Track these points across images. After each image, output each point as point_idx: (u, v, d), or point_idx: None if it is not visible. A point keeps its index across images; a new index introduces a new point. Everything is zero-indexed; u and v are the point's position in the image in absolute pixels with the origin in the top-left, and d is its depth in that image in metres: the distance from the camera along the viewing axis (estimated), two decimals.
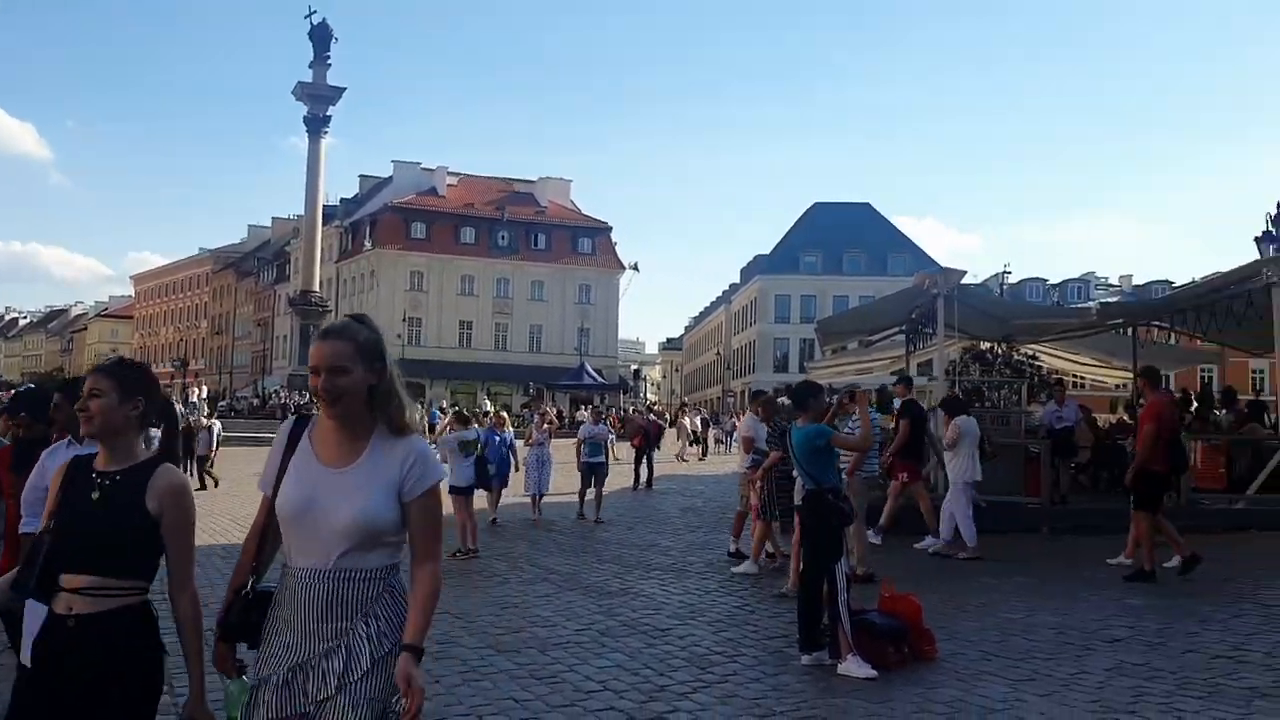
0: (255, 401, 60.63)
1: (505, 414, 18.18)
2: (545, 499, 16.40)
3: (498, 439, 15.44)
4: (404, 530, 3.04)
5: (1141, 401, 11.30)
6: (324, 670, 2.87)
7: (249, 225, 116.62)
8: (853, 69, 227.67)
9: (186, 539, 3.29)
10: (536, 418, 19.58)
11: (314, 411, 3.18)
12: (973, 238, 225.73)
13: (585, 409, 50.30)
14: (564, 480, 18.43)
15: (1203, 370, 42.45)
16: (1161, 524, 10.68)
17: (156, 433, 3.66)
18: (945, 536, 12.15)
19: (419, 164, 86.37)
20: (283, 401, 52.19)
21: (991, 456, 12.93)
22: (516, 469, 15.91)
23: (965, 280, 17.78)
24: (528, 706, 6.03)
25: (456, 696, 6.23)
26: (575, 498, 16.71)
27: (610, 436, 17.66)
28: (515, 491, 15.96)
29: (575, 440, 17.74)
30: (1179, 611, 8.69)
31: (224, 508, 18.01)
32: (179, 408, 42.08)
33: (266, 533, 3.18)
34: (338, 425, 3.05)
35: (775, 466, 11.02)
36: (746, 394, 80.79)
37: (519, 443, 17.05)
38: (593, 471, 16.38)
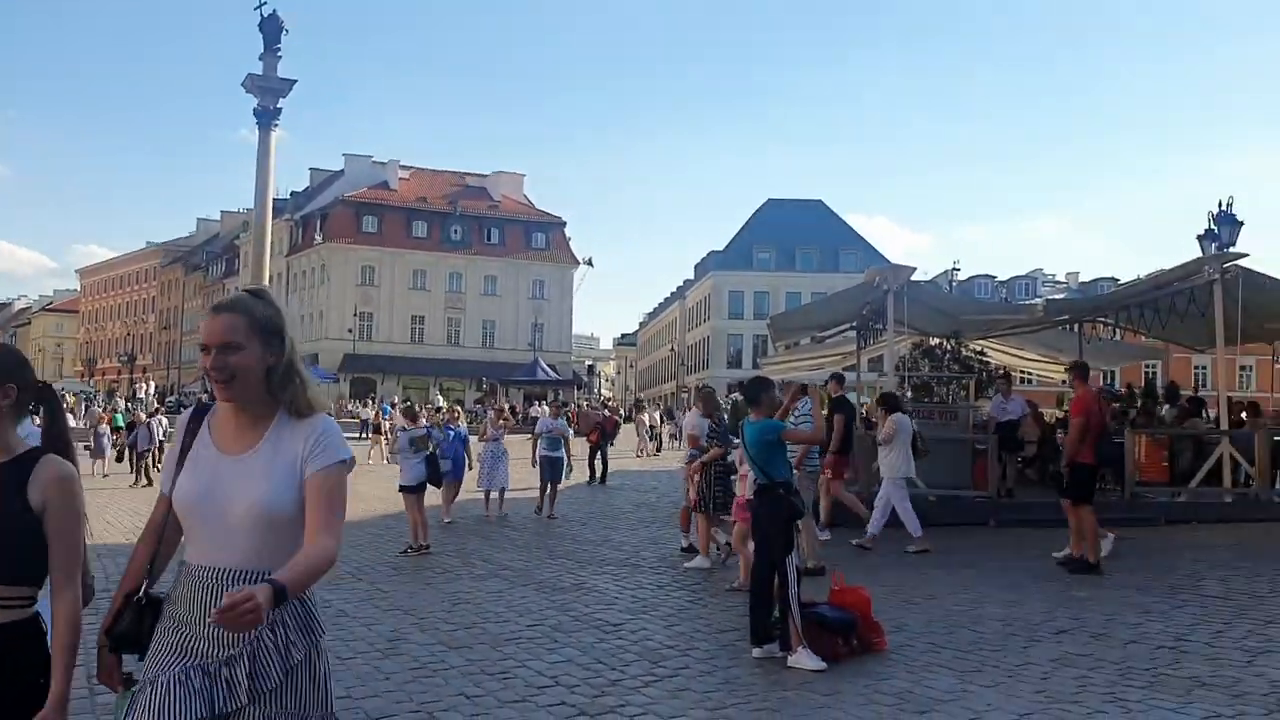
0: (204, 397, 59.74)
1: (459, 408, 18.00)
2: (499, 494, 16.23)
3: (451, 434, 15.34)
4: None
5: (1071, 395, 11.54)
6: (228, 679, 2.61)
7: (198, 218, 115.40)
8: (806, 67, 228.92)
9: (74, 533, 2.88)
10: (491, 413, 19.32)
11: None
12: (923, 236, 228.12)
13: (541, 404, 50.28)
14: (518, 476, 18.33)
15: (1147, 366, 43.18)
16: (1087, 517, 10.88)
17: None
18: (873, 529, 12.28)
19: (370, 157, 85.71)
20: None
21: (924, 454, 13.11)
22: (470, 466, 15.78)
23: (915, 277, 17.95)
24: (478, 703, 6.01)
25: (407, 693, 6.20)
26: (529, 493, 16.67)
27: (569, 432, 17.48)
28: (468, 487, 15.84)
29: (531, 435, 17.58)
30: (1122, 603, 8.84)
31: None
32: (123, 403, 41.48)
33: (163, 532, 2.90)
34: (235, 410, 2.82)
35: (715, 461, 11.11)
36: (693, 391, 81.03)
37: (472, 438, 16.94)
38: (550, 466, 16.22)
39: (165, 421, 27.57)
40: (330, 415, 2.91)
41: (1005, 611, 8.52)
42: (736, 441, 10.69)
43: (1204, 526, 13.96)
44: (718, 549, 11.37)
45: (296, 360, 2.86)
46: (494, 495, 15.99)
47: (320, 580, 2.71)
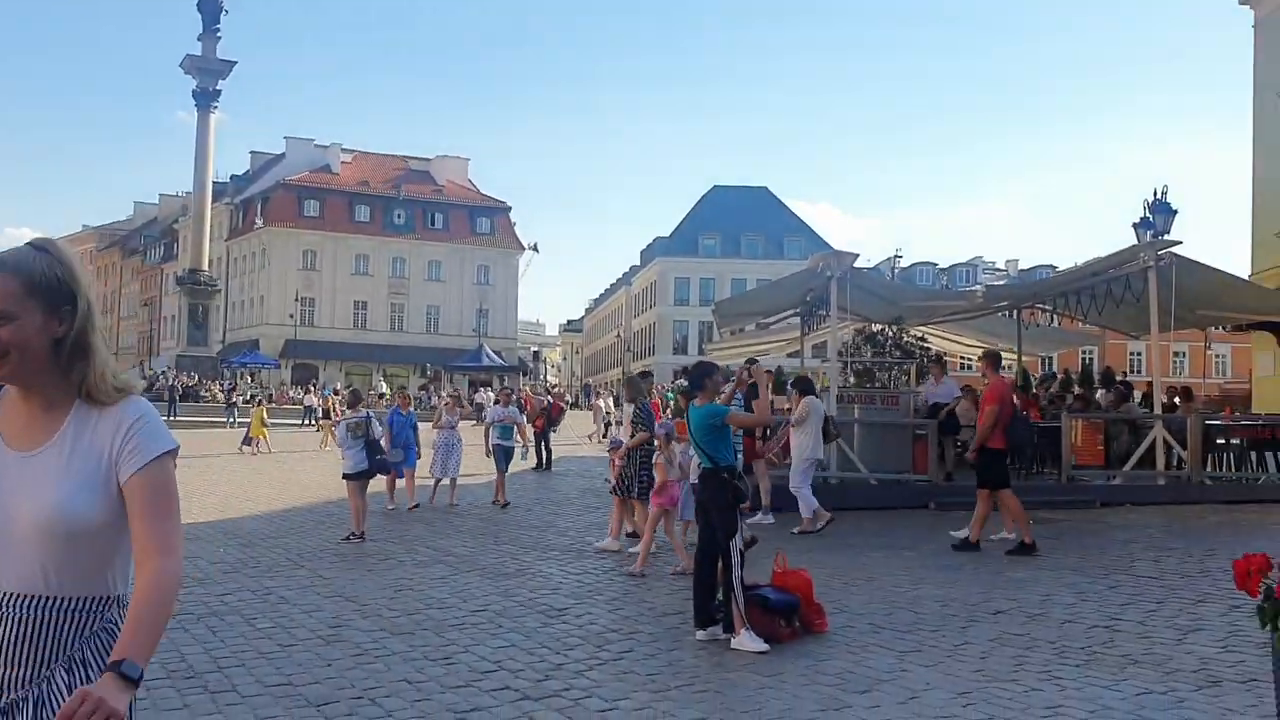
0: (141, 384, 58.36)
1: (408, 393, 17.68)
2: (450, 483, 15.89)
3: (402, 420, 15.07)
4: (124, 531, 2.26)
5: (985, 382, 11.83)
6: None
7: (135, 202, 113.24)
8: (750, 53, 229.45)
9: None
10: (446, 400, 18.79)
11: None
12: (867, 223, 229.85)
13: (486, 390, 50.01)
14: (469, 463, 18.03)
15: (1083, 352, 44.03)
16: (986, 502, 11.12)
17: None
18: (806, 513, 12.43)
19: (312, 141, 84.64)
20: (171, 383, 50.68)
21: (835, 437, 13.36)
22: (419, 455, 15.48)
23: (858, 264, 18.10)
24: (421, 688, 5.99)
25: (348, 680, 6.16)
26: (475, 480, 16.52)
27: (521, 419, 17.22)
28: (419, 474, 15.54)
29: (484, 424, 17.23)
30: (1058, 584, 9.01)
31: None
32: None
33: None
34: (23, 396, 2.31)
35: (640, 446, 11.15)
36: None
37: (424, 425, 16.71)
38: (505, 455, 15.95)
39: None
40: (142, 397, 2.43)
41: (944, 593, 8.64)
42: (661, 426, 10.80)
43: (1138, 509, 14.26)
44: (627, 536, 11.37)
45: (91, 332, 2.35)
46: (444, 483, 15.63)
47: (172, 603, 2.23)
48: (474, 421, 31.30)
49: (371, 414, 13.03)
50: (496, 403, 18.52)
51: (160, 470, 2.27)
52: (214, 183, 68.95)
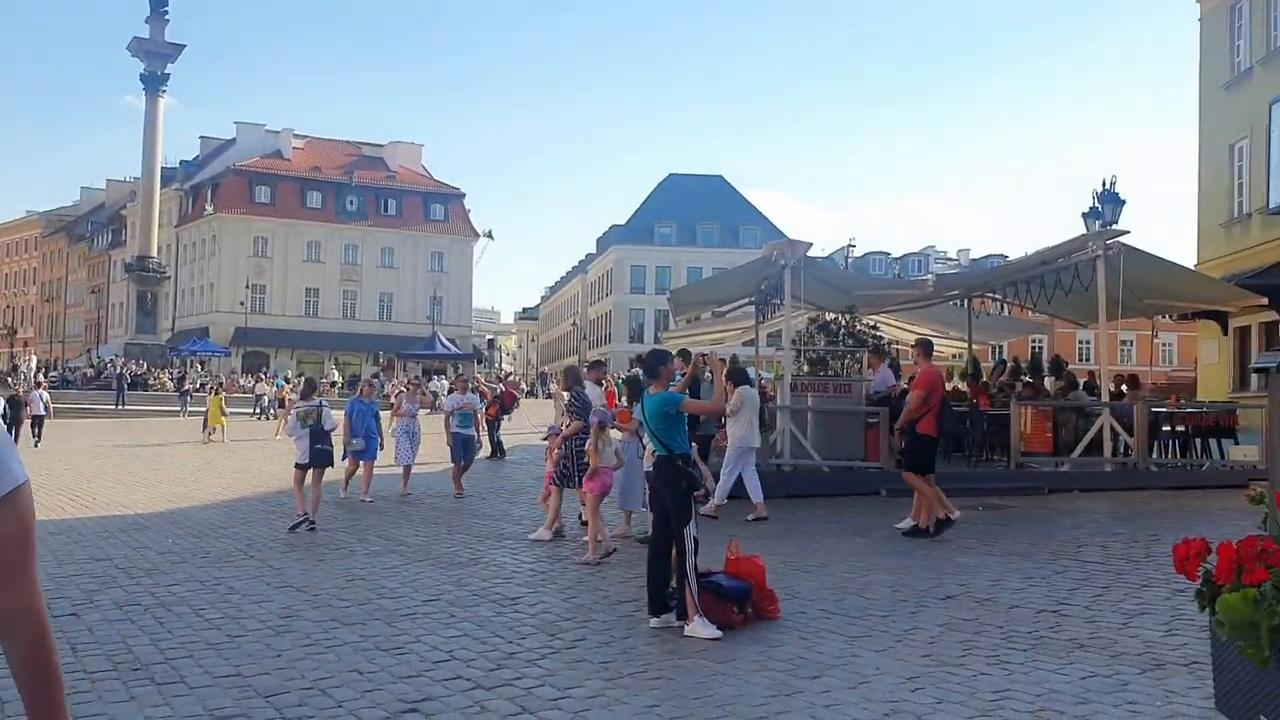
0: (89, 372, 57.89)
1: (373, 382, 17.24)
2: (403, 471, 15.67)
3: (364, 410, 14.78)
4: None
5: (917, 369, 12.01)
6: None
7: (82, 187, 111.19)
8: (706, 41, 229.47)
9: None
10: (406, 388, 18.36)
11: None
12: (821, 212, 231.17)
13: (440, 378, 49.73)
14: (425, 452, 17.83)
15: (1033, 340, 44.59)
16: (928, 485, 11.24)
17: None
18: (756, 498, 12.53)
19: (263, 126, 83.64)
20: (119, 371, 49.92)
21: (769, 426, 13.49)
22: (382, 446, 15.11)
23: (812, 253, 18.17)
24: (372, 678, 5.94)
25: (298, 670, 6.10)
26: (429, 469, 16.36)
27: (480, 406, 16.80)
28: (383, 463, 15.31)
29: (444, 413, 16.87)
30: (1007, 569, 9.12)
31: (59, 483, 17.19)
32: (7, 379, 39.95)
33: None
34: None
35: (574, 435, 11.17)
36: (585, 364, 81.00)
37: (383, 414, 16.47)
38: (464, 444, 15.52)
39: (46, 397, 27.23)
40: None
41: (894, 578, 8.72)
42: (595, 414, 10.82)
43: (1085, 495, 14.47)
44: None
45: None
46: (401, 470, 15.46)
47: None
48: (427, 410, 31.05)
49: (324, 403, 12.86)
50: (452, 390, 18.30)
51: (7, 516, 1.85)
52: (163, 168, 67.92)
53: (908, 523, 11.31)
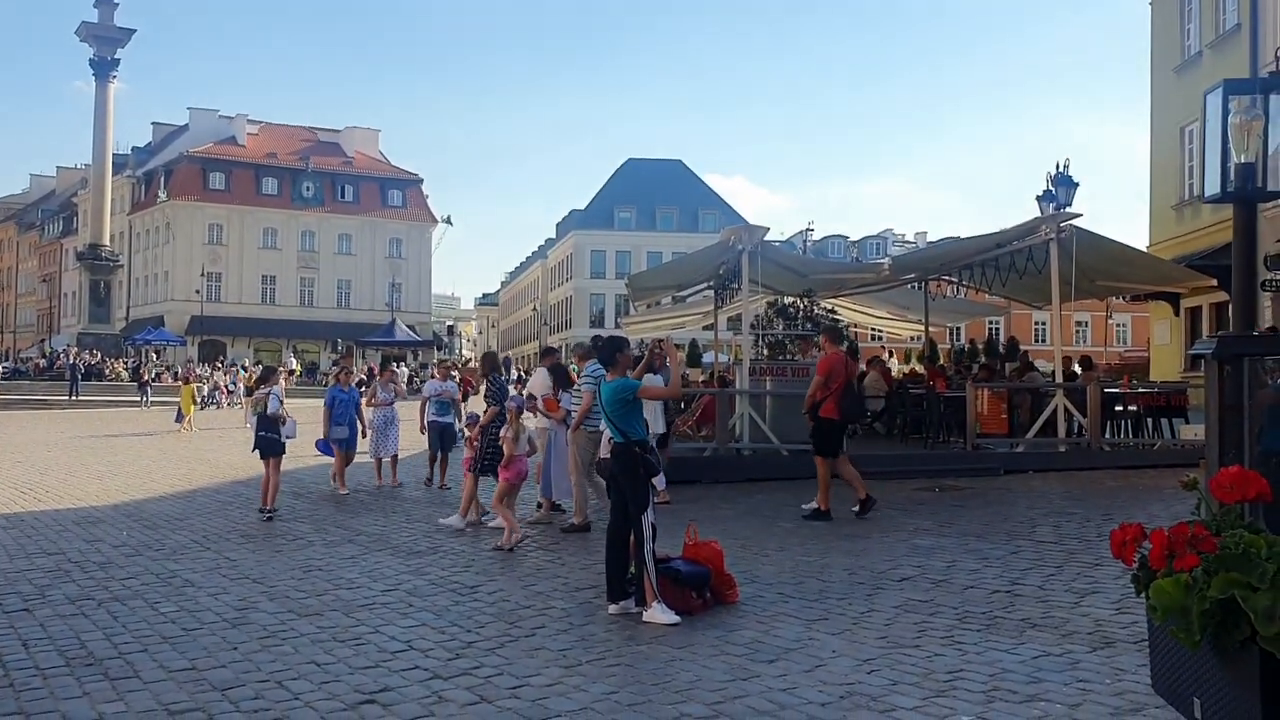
0: (41, 363, 57.01)
1: (349, 370, 16.66)
2: (391, 461, 15.20)
3: (344, 397, 14.42)
4: None
5: (819, 354, 12.11)
6: None
7: (31, 174, 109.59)
8: (662, 26, 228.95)
9: None
10: (381, 376, 17.44)
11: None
12: (780, 196, 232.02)
13: (399, 366, 49.40)
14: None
15: (990, 322, 44.96)
16: (842, 468, 11.45)
17: None
18: (659, 485, 12.61)
19: (217, 111, 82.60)
20: (72, 362, 49.19)
21: (678, 413, 13.60)
22: (364, 433, 14.75)
23: (771, 237, 18.25)
24: (329, 670, 5.92)
25: (254, 663, 6.06)
26: (405, 456, 16.04)
27: (457, 394, 16.25)
28: (359, 452, 15.07)
29: (420, 399, 16.27)
30: (962, 550, 9.23)
31: (8, 476, 16.95)
32: None
33: None
34: None
35: (493, 422, 11.19)
36: (564, 350, 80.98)
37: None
38: (440, 433, 15.02)
39: None
40: None
41: (851, 561, 8.80)
42: (511, 400, 10.84)
43: (1040, 475, 14.66)
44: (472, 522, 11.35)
45: None
46: (385, 462, 15.06)
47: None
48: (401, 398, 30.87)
49: (274, 391, 12.73)
50: (433, 377, 18.04)
51: None
52: (115, 155, 66.87)
53: (810, 506, 11.38)
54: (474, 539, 10.51)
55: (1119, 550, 2.34)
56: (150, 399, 40.73)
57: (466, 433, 11.83)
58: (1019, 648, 6.09)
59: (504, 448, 10.46)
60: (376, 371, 25.24)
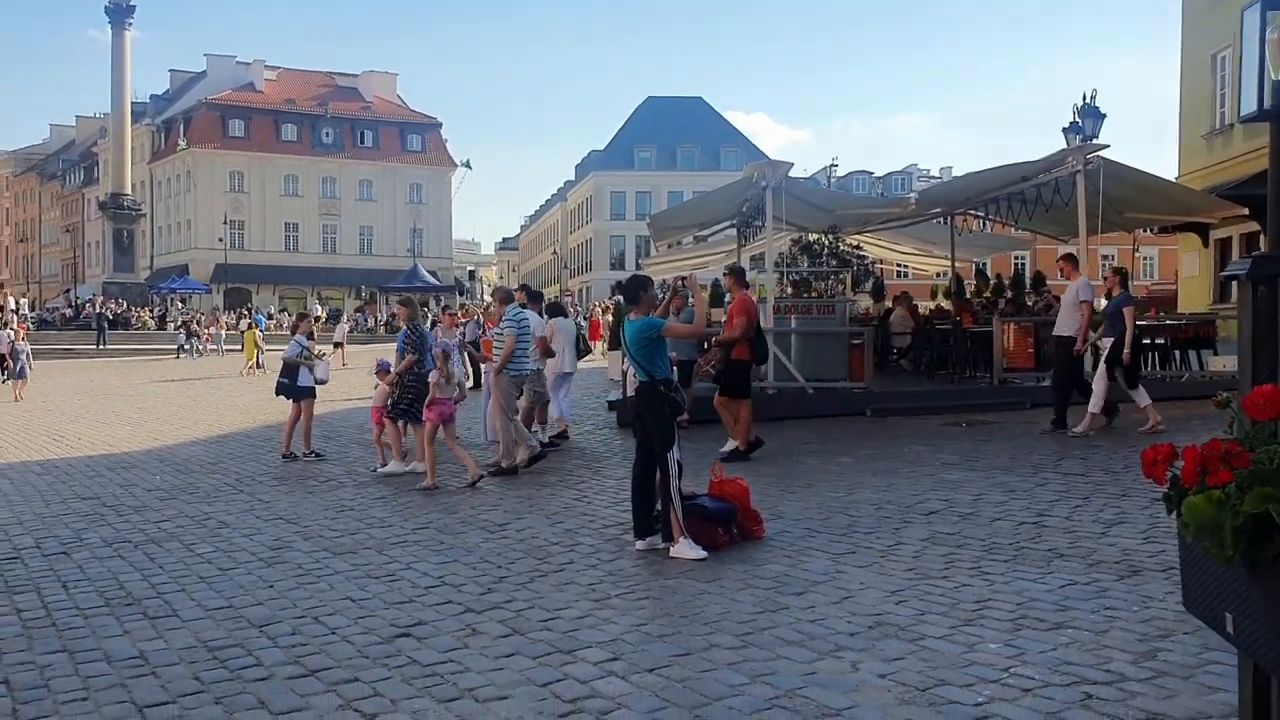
0: (68, 312, 57.49)
1: (451, 313, 16.28)
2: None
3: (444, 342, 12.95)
4: None
5: (730, 297, 11.92)
6: None
7: (51, 124, 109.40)
8: None
9: None
10: (445, 317, 16.27)
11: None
12: (802, 133, 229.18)
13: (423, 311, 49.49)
14: None
15: (1016, 257, 44.60)
16: (745, 409, 11.23)
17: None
18: (565, 418, 13.20)
19: (234, 58, 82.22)
20: (98, 311, 49.58)
21: (585, 353, 13.70)
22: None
23: (794, 174, 18.07)
24: (364, 605, 6.02)
25: (290, 600, 6.17)
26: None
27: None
28: None
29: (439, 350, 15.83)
30: (989, 484, 9.23)
31: (41, 424, 17.19)
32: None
33: None
34: None
35: (410, 370, 11.07)
36: (586, 293, 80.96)
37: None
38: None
39: (11, 334, 27.26)
40: None
41: (878, 496, 8.83)
42: (437, 345, 10.81)
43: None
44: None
45: None
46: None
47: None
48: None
49: (297, 338, 12.93)
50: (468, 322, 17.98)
51: None
52: (133, 103, 66.85)
53: (729, 445, 11.19)
54: (501, 479, 10.56)
55: (1150, 470, 2.33)
56: (198, 347, 41.31)
57: (378, 381, 11.65)
58: (1046, 577, 6.11)
59: (431, 390, 10.39)
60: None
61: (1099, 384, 11.92)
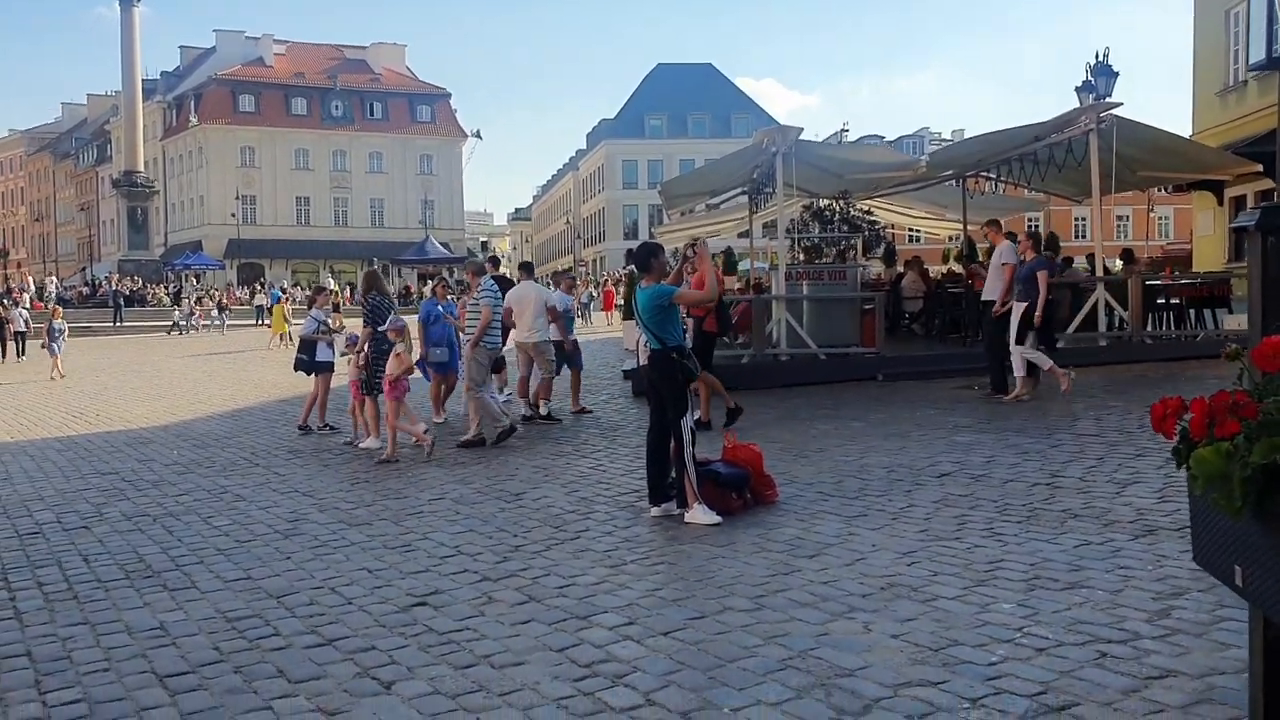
0: (84, 290, 57.76)
1: (445, 281, 16.23)
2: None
3: (440, 310, 12.63)
4: None
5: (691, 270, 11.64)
6: None
7: (63, 103, 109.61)
8: None
9: None
10: (437, 286, 16.03)
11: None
12: (812, 98, 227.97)
13: (430, 282, 49.58)
14: None
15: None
16: (709, 379, 11.01)
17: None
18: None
19: (243, 33, 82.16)
20: (114, 289, 49.79)
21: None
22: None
23: (804, 138, 17.95)
24: (381, 575, 6.07)
25: (307, 571, 6.22)
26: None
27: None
28: None
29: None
30: (1002, 445, 9.22)
31: (60, 400, 17.31)
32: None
33: None
34: None
35: (371, 343, 10.99)
36: (599, 263, 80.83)
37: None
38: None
39: (26, 314, 27.89)
40: None
41: (890, 460, 8.83)
42: (399, 320, 10.69)
43: (1081, 370, 14.49)
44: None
45: None
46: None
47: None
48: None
49: (314, 313, 12.98)
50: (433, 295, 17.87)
51: None
52: (144, 80, 66.85)
53: (723, 415, 10.96)
54: (515, 449, 10.61)
55: (1159, 424, 2.33)
56: (228, 323, 41.68)
57: (350, 357, 11.60)
58: (1060, 537, 6.11)
59: (391, 366, 10.35)
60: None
61: (1015, 352, 11.88)
